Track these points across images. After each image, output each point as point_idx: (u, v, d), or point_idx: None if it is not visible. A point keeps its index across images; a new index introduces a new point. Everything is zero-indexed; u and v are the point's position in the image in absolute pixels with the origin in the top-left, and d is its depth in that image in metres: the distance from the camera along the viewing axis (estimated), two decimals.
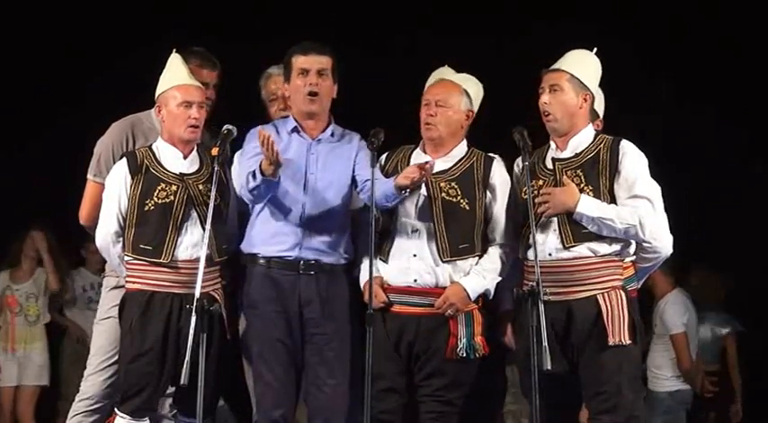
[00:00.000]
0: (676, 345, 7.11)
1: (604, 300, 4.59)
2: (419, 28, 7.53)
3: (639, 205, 4.60)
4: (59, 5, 7.60)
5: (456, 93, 4.86)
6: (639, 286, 4.95)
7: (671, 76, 7.49)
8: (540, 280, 4.42)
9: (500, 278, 4.78)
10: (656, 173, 4.73)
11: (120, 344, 4.80)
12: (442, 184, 4.79)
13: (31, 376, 7.78)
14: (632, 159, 4.65)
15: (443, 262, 4.74)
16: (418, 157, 4.90)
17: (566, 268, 4.60)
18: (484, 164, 4.85)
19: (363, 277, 4.77)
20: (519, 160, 4.83)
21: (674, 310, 7.18)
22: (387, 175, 4.83)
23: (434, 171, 4.79)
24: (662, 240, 4.74)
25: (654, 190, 4.67)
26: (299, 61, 4.77)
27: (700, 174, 7.46)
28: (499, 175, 4.85)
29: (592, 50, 4.79)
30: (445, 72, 4.97)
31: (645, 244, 4.72)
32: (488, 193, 4.82)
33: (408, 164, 4.84)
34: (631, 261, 4.82)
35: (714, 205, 7.42)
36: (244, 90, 5.36)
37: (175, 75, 4.82)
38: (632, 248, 4.72)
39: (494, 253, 4.79)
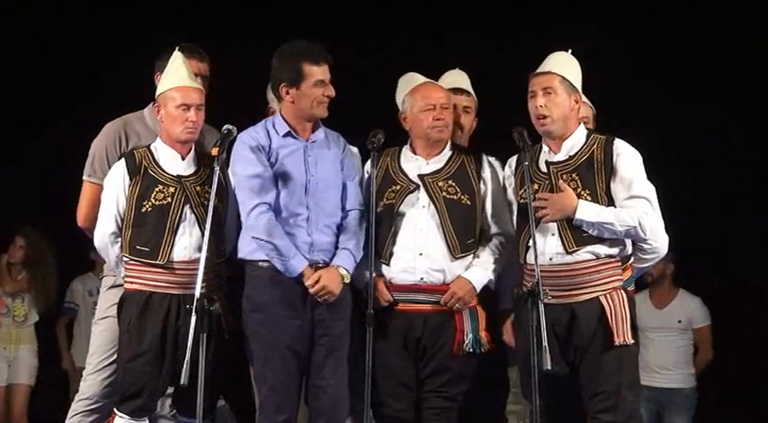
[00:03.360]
0: (704, 337, 7.21)
1: (607, 300, 4.60)
2: (419, 28, 7.52)
3: (638, 206, 4.60)
4: (59, 6, 7.60)
5: (449, 94, 4.97)
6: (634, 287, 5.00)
7: (671, 76, 7.48)
8: (539, 280, 4.43)
9: (500, 268, 4.84)
10: (654, 173, 4.74)
11: (118, 343, 4.81)
12: (440, 184, 4.84)
13: (22, 375, 7.77)
14: (628, 159, 4.65)
15: (456, 259, 4.78)
16: (407, 157, 4.95)
17: (567, 272, 4.61)
18: (474, 158, 4.93)
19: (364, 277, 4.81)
20: (512, 161, 4.86)
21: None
22: (375, 178, 4.86)
23: (430, 171, 4.88)
24: (659, 240, 4.75)
25: (651, 189, 4.68)
26: (315, 72, 4.74)
27: (701, 174, 7.45)
28: (489, 168, 4.93)
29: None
30: (418, 77, 5.02)
31: (644, 244, 4.72)
32: (482, 185, 4.89)
33: (398, 165, 4.89)
34: (630, 264, 4.83)
35: (717, 206, 7.41)
36: (243, 90, 5.36)
37: (176, 75, 4.81)
38: (629, 249, 4.72)
39: (492, 245, 4.86)
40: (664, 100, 7.31)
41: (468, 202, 4.84)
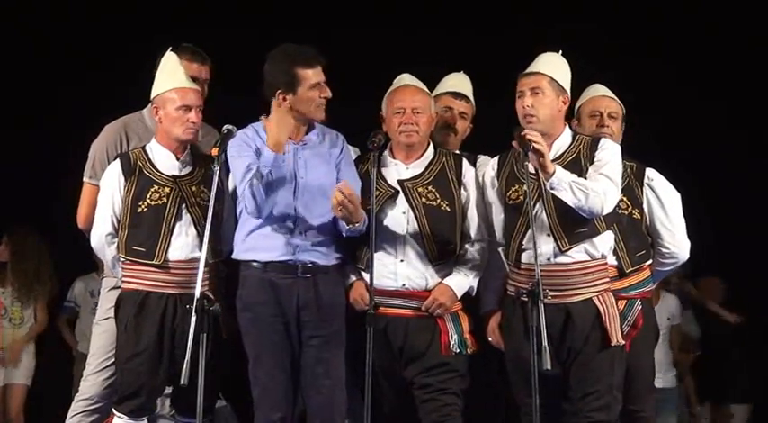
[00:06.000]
0: (676, 335, 7.24)
1: (600, 301, 4.64)
2: (419, 27, 7.53)
3: (602, 180, 4.59)
4: (59, 6, 7.61)
5: (427, 98, 4.93)
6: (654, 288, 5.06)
7: (672, 76, 7.49)
8: (539, 280, 4.43)
9: (480, 274, 4.85)
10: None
11: (116, 343, 4.81)
12: (419, 190, 4.85)
13: (19, 375, 7.78)
14: (609, 152, 4.67)
15: (435, 265, 4.79)
16: (387, 161, 4.92)
17: (562, 273, 4.63)
18: (454, 162, 4.92)
19: (349, 279, 4.84)
20: (494, 162, 4.85)
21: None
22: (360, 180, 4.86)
23: (409, 176, 4.87)
24: (680, 246, 4.89)
25: (617, 174, 4.64)
26: (311, 75, 4.72)
27: (700, 174, 7.46)
28: (469, 172, 4.92)
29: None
30: (403, 79, 5.00)
31: (663, 249, 4.85)
32: (463, 190, 4.88)
33: (379, 169, 4.85)
34: (648, 264, 4.91)
35: (716, 206, 7.42)
36: (241, 90, 5.35)
37: (173, 77, 4.80)
38: (613, 245, 4.73)
39: (472, 250, 4.86)
40: (664, 100, 7.31)
41: (448, 209, 4.83)
